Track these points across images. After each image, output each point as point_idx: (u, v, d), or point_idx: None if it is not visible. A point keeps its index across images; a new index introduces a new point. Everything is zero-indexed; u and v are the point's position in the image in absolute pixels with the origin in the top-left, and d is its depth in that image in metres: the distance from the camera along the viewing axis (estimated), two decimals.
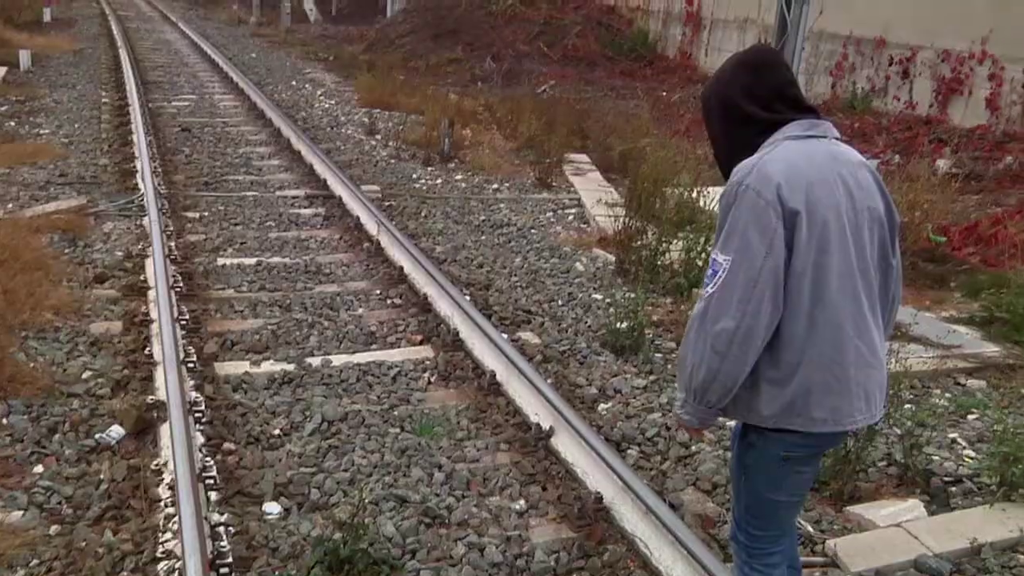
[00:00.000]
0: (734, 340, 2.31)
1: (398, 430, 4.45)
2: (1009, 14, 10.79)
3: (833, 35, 13.45)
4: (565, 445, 4.23)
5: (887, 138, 11.31)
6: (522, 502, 3.92)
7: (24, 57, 15.49)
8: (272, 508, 3.76)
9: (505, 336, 5.32)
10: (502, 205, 8.86)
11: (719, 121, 2.57)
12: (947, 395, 5.20)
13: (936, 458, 4.40)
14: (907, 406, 4.84)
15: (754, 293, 2.29)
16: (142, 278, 6.17)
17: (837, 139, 2.51)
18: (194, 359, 4.90)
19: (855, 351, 2.40)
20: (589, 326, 5.88)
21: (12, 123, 11.19)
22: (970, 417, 4.95)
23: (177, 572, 3.30)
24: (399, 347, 5.45)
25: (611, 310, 5.96)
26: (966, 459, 4.44)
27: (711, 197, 7.16)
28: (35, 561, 3.37)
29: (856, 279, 2.41)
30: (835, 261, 2.36)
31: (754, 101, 2.47)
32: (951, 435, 4.70)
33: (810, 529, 3.79)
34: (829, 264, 2.35)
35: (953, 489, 4.16)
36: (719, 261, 2.34)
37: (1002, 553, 3.69)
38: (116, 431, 4.23)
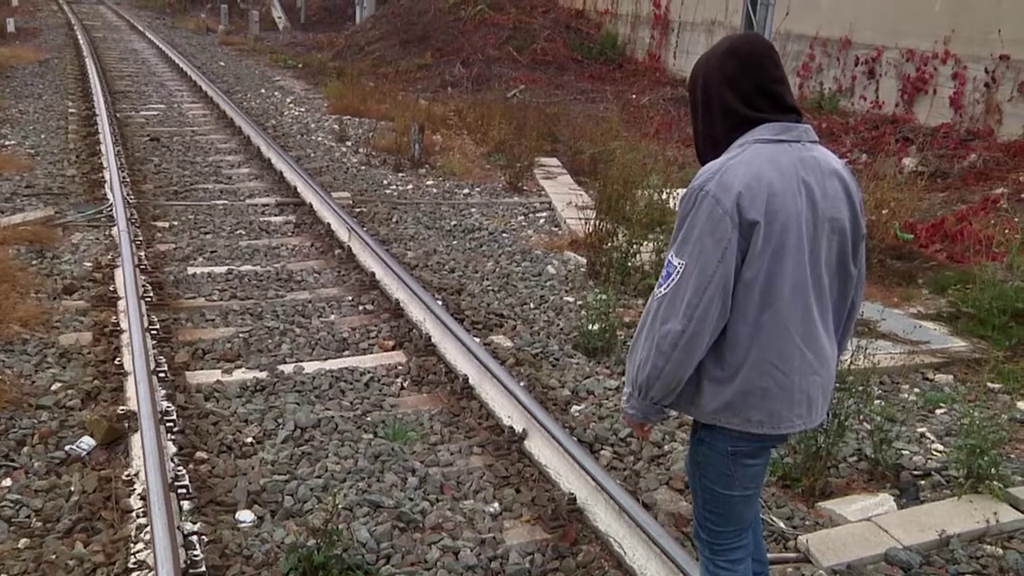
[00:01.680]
0: (678, 343, 2.34)
1: (371, 436, 4.45)
2: (970, 14, 10.95)
3: (800, 36, 13.58)
4: (538, 447, 4.24)
5: (854, 137, 11.43)
6: (496, 505, 3.93)
7: None
8: (245, 516, 3.75)
9: (477, 340, 5.33)
10: (473, 210, 8.87)
11: (700, 107, 2.53)
12: (915, 390, 5.26)
13: (905, 452, 4.46)
14: (876, 402, 4.89)
15: (703, 299, 2.31)
16: (111, 288, 6.12)
17: (813, 143, 2.46)
18: (165, 369, 4.87)
19: (800, 358, 2.42)
20: (561, 328, 5.90)
21: None
22: (938, 411, 5.01)
23: None
24: (371, 353, 5.45)
25: (583, 312, 5.98)
26: (935, 453, 4.51)
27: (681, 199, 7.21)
28: (3, 575, 3.34)
29: (808, 288, 2.41)
30: (788, 269, 2.36)
31: (735, 93, 2.42)
32: (920, 429, 4.76)
33: (782, 525, 3.83)
34: (782, 272, 2.36)
35: (922, 482, 4.22)
36: (674, 263, 2.36)
37: (970, 544, 3.75)
38: (86, 442, 4.19)
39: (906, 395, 5.19)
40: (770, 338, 2.38)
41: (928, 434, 4.71)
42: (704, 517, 2.69)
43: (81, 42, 21.61)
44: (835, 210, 2.43)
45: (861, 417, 4.54)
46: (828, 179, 2.42)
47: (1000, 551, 3.70)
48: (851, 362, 4.16)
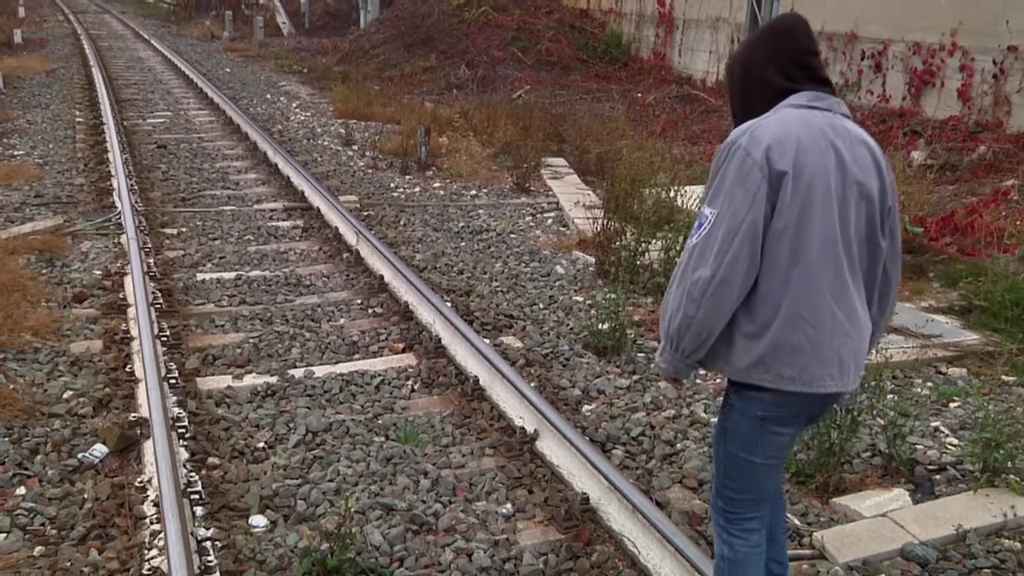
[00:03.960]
0: (708, 289, 2.40)
1: (383, 438, 4.44)
2: (977, 6, 10.90)
3: None
4: (550, 447, 4.23)
5: None
6: (509, 506, 3.92)
7: None
8: (258, 521, 3.74)
9: (487, 341, 5.32)
10: (481, 211, 8.86)
11: (739, 86, 2.65)
12: (929, 384, 5.23)
13: (920, 447, 4.43)
14: (890, 396, 4.87)
15: (732, 245, 2.39)
16: (121, 296, 6.14)
17: (844, 115, 2.56)
18: (176, 375, 4.88)
19: (831, 316, 2.46)
20: (571, 328, 5.89)
21: None
22: (952, 405, 4.98)
23: None
24: (382, 356, 5.44)
25: (592, 311, 5.97)
26: (949, 447, 4.48)
27: (688, 196, 7.20)
28: None
29: (838, 247, 2.46)
30: (817, 224, 2.42)
31: (773, 65, 2.56)
32: (934, 424, 4.73)
33: (797, 522, 3.80)
34: (811, 226, 2.42)
35: (937, 477, 4.19)
36: (705, 214, 2.45)
37: (987, 538, 3.72)
38: (99, 450, 4.20)
39: (919, 389, 5.16)
40: (800, 293, 2.43)
41: (942, 428, 4.68)
42: (724, 484, 2.74)
43: (87, 51, 21.69)
44: (864, 176, 2.50)
45: (874, 412, 4.52)
46: (857, 146, 2.51)
47: (1018, 545, 3.68)
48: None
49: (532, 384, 4.81)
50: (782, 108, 2.52)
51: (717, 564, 2.81)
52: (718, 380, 5.21)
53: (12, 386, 4.78)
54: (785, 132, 2.42)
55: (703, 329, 2.45)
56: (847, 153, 2.47)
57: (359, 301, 6.31)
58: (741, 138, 2.45)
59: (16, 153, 10.73)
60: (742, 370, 2.51)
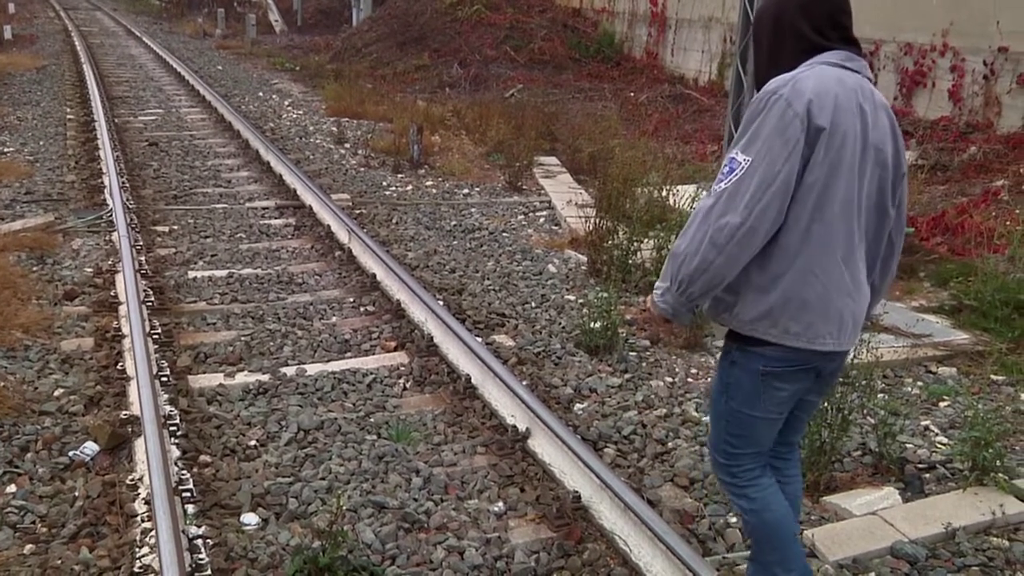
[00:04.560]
0: (735, 236, 2.40)
1: (375, 437, 4.44)
2: (968, 7, 10.94)
3: None
4: (542, 446, 4.24)
5: None
6: (501, 504, 3.92)
7: None
8: (250, 519, 3.74)
9: (479, 340, 5.32)
10: (473, 210, 8.86)
11: (768, 37, 2.64)
12: (919, 383, 5.26)
13: (910, 446, 4.45)
14: (880, 395, 4.89)
15: (765, 195, 2.39)
16: (113, 293, 6.12)
17: (869, 79, 2.59)
18: (167, 373, 4.87)
19: (839, 276, 2.51)
20: (563, 327, 5.90)
21: None
22: (942, 404, 5.01)
23: None
24: (373, 354, 5.44)
25: (584, 310, 5.98)
26: (939, 446, 4.50)
27: (680, 195, 7.21)
28: None
29: (854, 209, 2.50)
30: (842, 185, 2.46)
31: (807, 19, 2.56)
32: (924, 423, 4.75)
33: None
34: (836, 186, 2.45)
35: (927, 475, 4.21)
36: (738, 160, 2.43)
37: (975, 536, 3.74)
38: (90, 448, 4.19)
39: (909, 388, 5.19)
40: (816, 249, 2.47)
41: (932, 427, 4.70)
42: (725, 440, 2.77)
43: (78, 48, 21.61)
44: (881, 142, 2.54)
45: (865, 411, 4.54)
46: (879, 111, 2.55)
47: (1006, 543, 3.70)
48: (854, 356, 4.15)
49: (524, 382, 4.82)
50: (817, 64, 2.52)
51: (744, 520, 2.86)
52: (709, 379, 5.22)
53: (2, 384, 4.76)
54: (824, 88, 2.43)
55: (717, 275, 2.45)
56: (870, 117, 2.51)
57: (351, 299, 6.31)
58: (783, 88, 2.43)
59: (6, 150, 10.69)
60: (748, 323, 2.55)
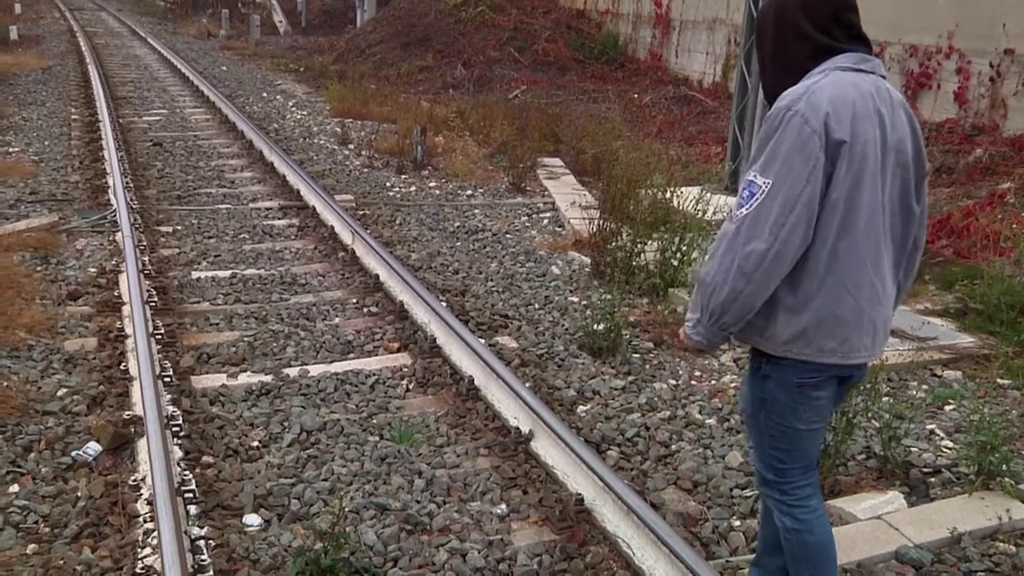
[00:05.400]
0: (763, 263, 2.35)
1: (377, 438, 4.43)
2: (974, 8, 10.92)
3: None
4: (545, 448, 4.22)
5: None
6: (503, 506, 3.91)
7: None
8: (252, 520, 3.73)
9: (482, 341, 5.31)
10: (476, 211, 8.85)
11: (772, 38, 2.57)
12: (924, 387, 5.23)
13: (915, 449, 4.43)
14: (885, 398, 4.87)
15: (789, 219, 2.33)
16: (116, 294, 6.12)
17: (883, 76, 2.53)
18: (170, 373, 4.86)
19: (871, 287, 2.47)
20: (566, 329, 5.88)
21: None
22: (947, 408, 4.98)
23: None
24: (376, 355, 5.43)
25: (588, 312, 5.96)
26: (944, 449, 4.48)
27: (684, 197, 7.19)
28: None
29: (880, 217, 2.45)
30: (866, 196, 2.41)
31: (810, 19, 2.47)
32: (929, 426, 4.73)
33: None
34: (861, 199, 2.40)
35: (932, 480, 4.19)
36: (758, 183, 2.37)
37: (981, 541, 3.72)
38: (93, 448, 4.18)
39: (914, 392, 5.16)
40: (845, 265, 2.42)
41: (937, 431, 4.68)
42: (771, 456, 2.70)
43: (83, 48, 21.64)
44: (901, 143, 2.49)
45: (869, 414, 4.52)
46: (896, 111, 2.49)
47: (1013, 548, 3.67)
48: None
49: (527, 384, 4.80)
50: (831, 71, 2.44)
51: (785, 538, 2.79)
52: (712, 382, 5.21)
53: (6, 383, 4.77)
54: (841, 99, 2.36)
55: (748, 303, 2.42)
56: (888, 120, 2.45)
57: (354, 300, 6.30)
58: (797, 103, 2.35)
59: (11, 150, 10.70)
60: (782, 344, 2.49)
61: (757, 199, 2.36)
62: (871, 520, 3.80)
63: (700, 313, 2.51)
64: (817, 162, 2.32)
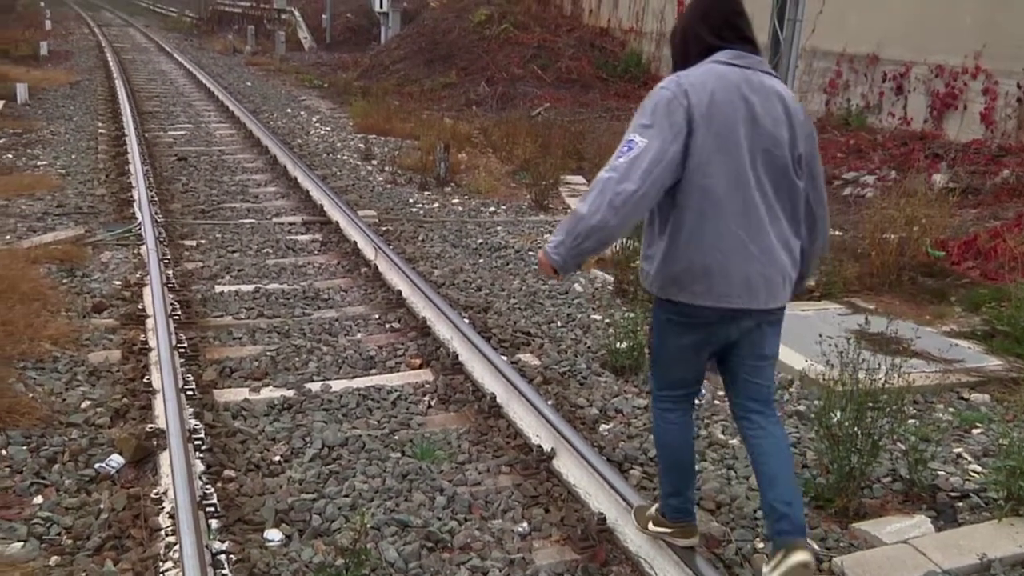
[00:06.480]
0: (630, 200, 2.84)
1: (399, 454, 4.42)
2: (1001, 29, 10.86)
3: (826, 52, 13.53)
4: (567, 466, 4.20)
5: (883, 154, 11.35)
6: (525, 525, 3.88)
7: (21, 90, 15.54)
8: (273, 535, 3.73)
9: (505, 358, 5.30)
10: (499, 228, 8.86)
11: (678, 46, 3.10)
12: (951, 410, 5.17)
13: (942, 473, 4.37)
14: (911, 421, 4.82)
15: (656, 168, 2.84)
16: (140, 307, 6.15)
17: (764, 72, 2.99)
18: (193, 387, 4.88)
19: (737, 244, 2.91)
20: (589, 347, 5.86)
21: (9, 155, 11.20)
22: (975, 431, 4.92)
23: None
24: (399, 371, 5.43)
25: (610, 330, 5.94)
26: (972, 474, 4.41)
27: None
28: None
29: (749, 185, 2.90)
30: (724, 166, 2.87)
31: (706, 25, 3.01)
32: (956, 450, 4.67)
33: (816, 547, 3.75)
34: (719, 167, 2.87)
35: (960, 504, 4.13)
36: (635, 140, 2.88)
37: (1012, 569, 3.65)
38: (116, 460, 4.20)
39: (941, 414, 5.10)
40: (711, 223, 2.90)
41: (965, 454, 4.62)
42: (650, 367, 3.43)
43: (111, 64, 21.89)
44: (774, 127, 2.93)
45: (895, 437, 4.47)
46: (770, 100, 2.95)
47: None
48: (885, 381, 4.09)
49: (549, 402, 4.79)
50: (707, 63, 2.96)
51: (654, 424, 3.39)
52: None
53: (31, 395, 4.80)
54: (702, 84, 2.88)
55: (609, 234, 2.91)
56: (760, 106, 2.91)
57: (376, 316, 6.31)
58: (670, 84, 2.91)
59: (39, 163, 10.82)
60: (659, 287, 3.03)
61: (633, 152, 2.86)
62: (897, 544, 3.75)
63: (564, 236, 2.95)
64: (681, 129, 2.84)
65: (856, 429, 4.00)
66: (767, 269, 2.96)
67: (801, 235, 3.09)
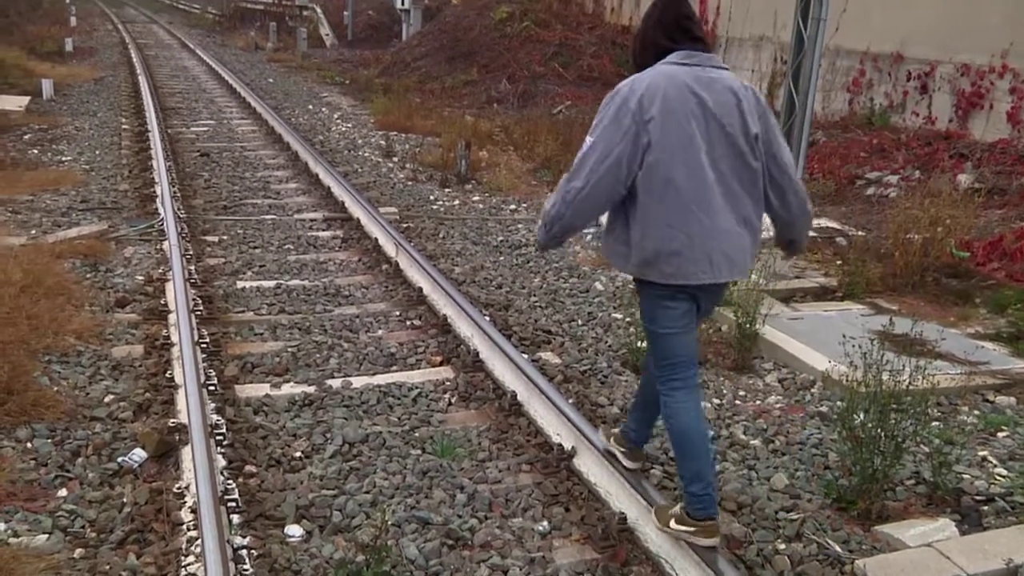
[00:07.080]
0: (578, 196, 3.17)
1: (419, 451, 4.43)
2: None
3: (850, 51, 13.42)
4: (588, 465, 4.19)
5: (907, 153, 11.24)
6: (545, 523, 3.88)
7: (46, 86, 15.67)
8: (294, 531, 3.74)
9: (525, 356, 5.29)
10: (520, 226, 8.85)
11: (638, 51, 3.36)
12: (975, 412, 5.12)
13: (966, 476, 4.33)
14: (935, 423, 4.78)
15: (600, 168, 3.11)
16: (163, 302, 6.19)
17: (716, 67, 3.22)
18: (215, 382, 4.90)
19: (699, 225, 3.14)
20: (609, 345, 5.85)
21: (35, 151, 11.30)
22: (1000, 435, 4.87)
23: None
24: (419, 368, 5.44)
25: (631, 329, 5.92)
26: (997, 477, 4.37)
27: None
28: None
29: (705, 172, 3.12)
30: (682, 156, 3.09)
31: (660, 28, 3.27)
32: (981, 453, 4.62)
33: (838, 549, 3.73)
34: (677, 158, 3.09)
35: (985, 508, 4.09)
36: (587, 141, 3.16)
37: None
38: (138, 454, 4.23)
39: (965, 417, 5.05)
40: (673, 209, 3.13)
41: (990, 458, 4.57)
42: (651, 352, 3.56)
43: (134, 60, 22.03)
44: (726, 117, 3.15)
45: (919, 439, 4.43)
46: (721, 93, 3.16)
47: None
48: (909, 382, 4.05)
49: (570, 400, 4.78)
50: (660, 65, 3.20)
51: (663, 413, 3.48)
52: (757, 402, 5.15)
53: (56, 388, 4.83)
54: (655, 85, 3.12)
55: (569, 224, 3.27)
56: (710, 101, 3.12)
57: (397, 313, 6.32)
58: (622, 88, 3.18)
59: (64, 159, 10.91)
60: (634, 268, 3.28)
61: (583, 152, 3.16)
62: (921, 547, 3.71)
63: (542, 221, 3.35)
64: (628, 131, 3.08)
65: (879, 431, 3.97)
66: (728, 247, 3.21)
67: (772, 208, 3.35)
